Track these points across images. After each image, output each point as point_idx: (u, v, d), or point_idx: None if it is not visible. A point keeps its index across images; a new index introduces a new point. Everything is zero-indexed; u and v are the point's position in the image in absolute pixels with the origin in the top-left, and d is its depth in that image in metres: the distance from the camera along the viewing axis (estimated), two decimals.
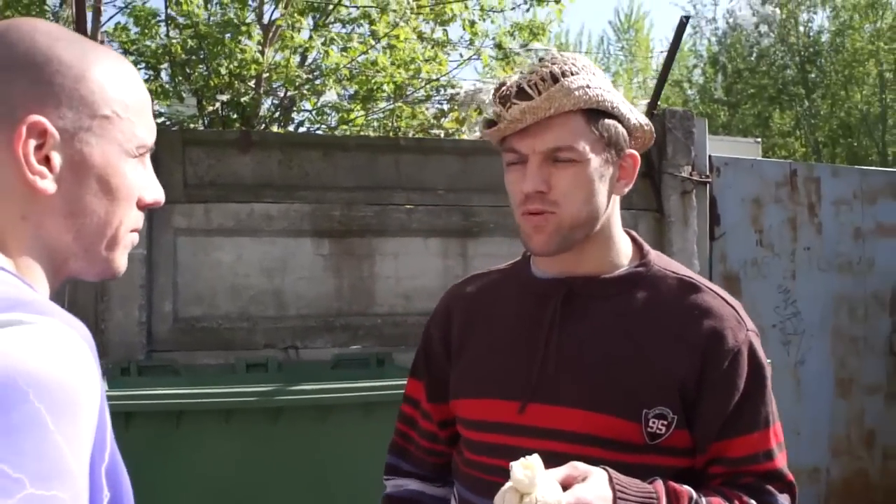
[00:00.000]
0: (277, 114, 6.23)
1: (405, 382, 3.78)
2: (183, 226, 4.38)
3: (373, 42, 5.71)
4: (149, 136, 0.99)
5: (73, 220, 0.92)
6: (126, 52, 5.76)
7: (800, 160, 14.11)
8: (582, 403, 1.29)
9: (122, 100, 0.95)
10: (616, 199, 1.39)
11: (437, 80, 6.06)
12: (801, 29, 18.05)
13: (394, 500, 1.57)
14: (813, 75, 17.34)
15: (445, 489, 1.52)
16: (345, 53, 5.63)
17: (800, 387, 5.22)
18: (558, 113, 1.28)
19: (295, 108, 6.10)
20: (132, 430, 3.12)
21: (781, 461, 1.33)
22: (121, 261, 0.99)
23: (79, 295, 4.11)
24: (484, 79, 7.26)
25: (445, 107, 6.15)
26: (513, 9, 6.39)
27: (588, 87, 1.30)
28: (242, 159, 4.54)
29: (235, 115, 5.91)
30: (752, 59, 18.14)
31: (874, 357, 5.44)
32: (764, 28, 18.19)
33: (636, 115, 1.39)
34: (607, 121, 1.32)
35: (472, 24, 6.24)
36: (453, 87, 6.20)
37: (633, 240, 1.44)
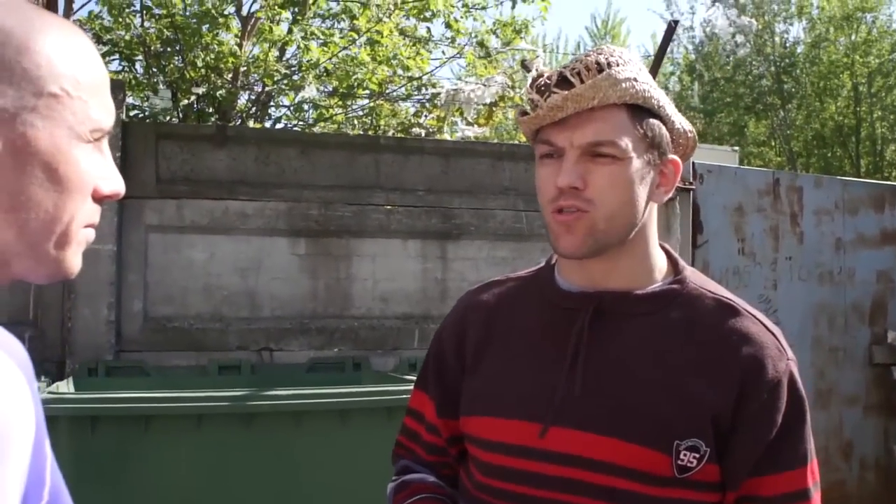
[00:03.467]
0: (254, 109, 6.09)
1: (384, 388, 3.65)
2: (154, 222, 4.25)
3: (355, 36, 5.58)
4: (106, 118, 0.87)
5: (15, 215, 0.81)
6: (100, 43, 5.59)
7: (774, 169, 14.16)
8: (609, 430, 1.19)
9: (73, 75, 0.83)
10: (653, 208, 1.28)
11: (419, 78, 5.94)
12: (777, 40, 18.16)
13: (410, 483, 1.39)
14: (788, 86, 17.45)
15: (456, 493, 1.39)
16: (325, 49, 5.50)
17: None
18: (601, 105, 1.18)
19: (273, 104, 5.96)
20: (98, 435, 2.98)
21: (816, 501, 1.24)
22: (73, 260, 0.87)
23: (44, 291, 3.96)
24: (465, 78, 7.16)
25: (427, 105, 6.04)
26: (497, 5, 6.30)
27: (635, 80, 1.20)
28: (217, 155, 4.40)
29: (211, 109, 5.76)
30: (729, 68, 18.21)
31: (853, 368, 5.41)
32: (741, 38, 18.26)
33: (680, 119, 1.28)
34: (652, 120, 1.22)
35: (454, 21, 6.14)
36: (434, 85, 6.10)
37: (668, 254, 1.33)
